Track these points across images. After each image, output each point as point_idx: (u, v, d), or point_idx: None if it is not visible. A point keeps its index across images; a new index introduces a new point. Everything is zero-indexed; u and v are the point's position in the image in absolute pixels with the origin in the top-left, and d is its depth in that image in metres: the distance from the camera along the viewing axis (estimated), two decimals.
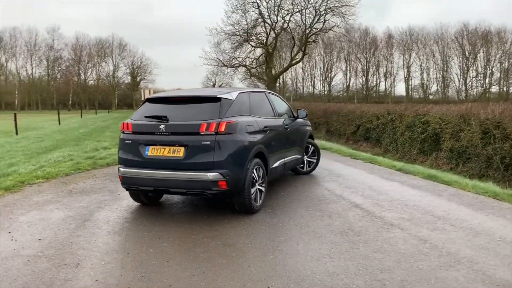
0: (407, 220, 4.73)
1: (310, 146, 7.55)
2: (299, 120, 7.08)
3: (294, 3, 29.81)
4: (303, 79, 63.48)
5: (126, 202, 5.69)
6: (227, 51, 30.56)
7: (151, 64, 64.69)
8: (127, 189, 5.12)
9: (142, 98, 51.20)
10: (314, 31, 30.70)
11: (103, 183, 7.03)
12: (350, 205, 5.41)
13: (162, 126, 4.72)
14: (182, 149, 4.64)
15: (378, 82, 63.76)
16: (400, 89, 67.48)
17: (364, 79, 62.27)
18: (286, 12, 30.22)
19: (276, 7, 30.08)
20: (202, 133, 4.58)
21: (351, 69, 62.11)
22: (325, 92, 62.09)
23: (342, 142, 17.54)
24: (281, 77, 60.72)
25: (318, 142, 13.28)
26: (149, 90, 51.66)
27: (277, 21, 30.61)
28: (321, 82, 63.19)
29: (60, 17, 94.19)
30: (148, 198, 5.46)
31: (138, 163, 4.86)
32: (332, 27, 30.07)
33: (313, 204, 5.49)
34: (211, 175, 4.52)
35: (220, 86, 64.81)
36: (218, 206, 5.46)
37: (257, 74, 33.18)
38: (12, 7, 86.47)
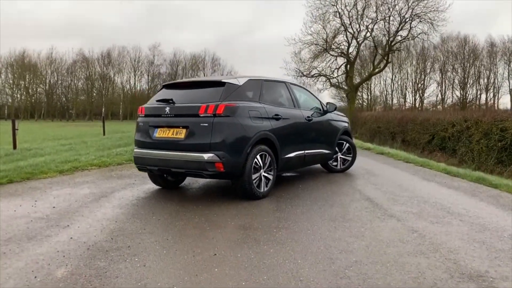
0: (413, 213, 4.30)
1: (345, 143, 7.23)
2: (330, 114, 6.85)
3: (378, 11, 28.87)
4: (392, 90, 60.62)
5: (149, 186, 6.02)
6: (305, 61, 30.54)
7: None
8: (138, 169, 5.43)
9: None
10: (399, 39, 29.31)
11: (141, 172, 7.51)
12: (361, 198, 5.09)
13: (167, 108, 4.96)
14: (184, 130, 4.81)
15: (478, 94, 58.31)
16: (505, 102, 60.54)
17: (461, 91, 57.37)
18: (369, 21, 29.40)
19: (359, 16, 29.41)
20: (201, 115, 4.71)
21: (446, 81, 57.72)
22: (417, 105, 58.47)
23: (417, 152, 16.44)
24: (368, 88, 58.83)
25: (385, 148, 12.59)
26: None
27: (360, 30, 29.89)
28: (413, 94, 59.71)
29: (175, 41, 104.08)
30: (165, 181, 5.72)
31: (147, 144, 5.14)
32: (419, 34, 28.43)
33: (323, 196, 5.25)
34: (207, 156, 4.61)
35: None
36: (227, 193, 5.50)
37: (337, 83, 32.55)
38: (136, 30, 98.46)
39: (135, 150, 5.31)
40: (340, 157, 7.24)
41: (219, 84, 5.04)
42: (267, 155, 5.14)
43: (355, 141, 17.69)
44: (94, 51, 78.82)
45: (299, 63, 31.69)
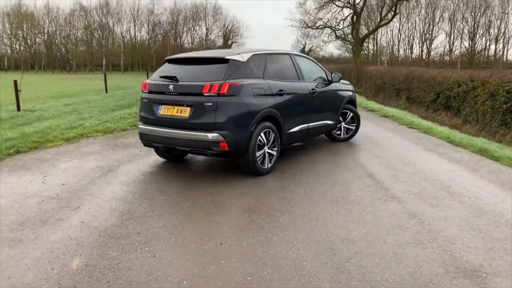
0: (414, 193, 4.41)
1: (349, 112, 7.23)
2: (335, 84, 6.79)
3: None
4: (399, 41, 59.10)
5: (155, 158, 6.11)
6: (310, 12, 29.62)
7: (242, 27, 65.71)
8: (144, 145, 5.50)
9: None
10: None
11: None
12: (363, 174, 5.18)
13: (171, 86, 4.93)
14: (188, 109, 4.81)
15: (488, 45, 56.80)
16: None
17: (470, 42, 55.86)
18: None
19: None
20: (205, 94, 4.69)
21: (455, 31, 56.04)
22: (424, 56, 57.24)
23: (422, 110, 16.37)
24: (375, 39, 57.32)
25: (389, 109, 12.52)
26: None
27: None
28: (420, 45, 58.26)
29: None
30: (170, 155, 5.80)
31: (152, 121, 5.17)
32: None
33: (326, 172, 5.35)
34: (212, 135, 4.65)
35: (309, 50, 63.59)
36: (231, 167, 5.60)
37: (342, 36, 31.75)
38: None
39: (140, 126, 5.34)
40: (344, 127, 7.26)
41: (222, 60, 4.97)
42: (271, 132, 5.18)
43: (359, 98, 17.58)
44: (92, 0, 76.32)
45: (304, 14, 30.81)
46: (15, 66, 66.56)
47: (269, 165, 5.22)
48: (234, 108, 4.70)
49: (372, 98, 21.49)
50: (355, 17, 29.77)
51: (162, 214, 3.89)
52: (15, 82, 11.94)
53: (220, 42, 65.64)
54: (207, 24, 64.53)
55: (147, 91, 5.28)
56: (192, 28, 64.46)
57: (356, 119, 7.30)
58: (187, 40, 64.46)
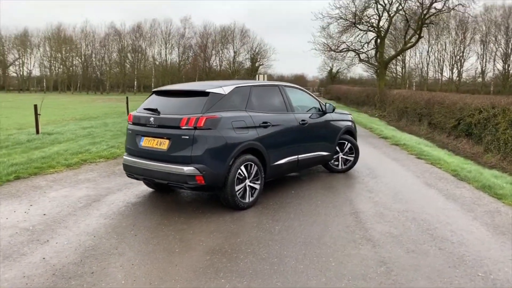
0: (393, 236, 4.15)
1: (347, 143, 7.02)
2: (330, 115, 6.64)
3: None
4: (428, 64, 57.90)
5: (144, 187, 6.09)
6: (333, 36, 29.57)
7: (269, 49, 66.32)
8: (127, 176, 5.50)
9: None
10: (433, 12, 27.68)
11: None
12: (348, 211, 4.95)
13: (152, 119, 4.94)
14: (167, 142, 4.79)
15: None
16: None
17: (504, 64, 53.97)
18: None
19: None
20: (183, 127, 4.66)
21: (488, 53, 54.40)
22: (454, 79, 55.68)
23: (443, 136, 15.85)
24: (403, 61, 56.44)
25: (404, 136, 12.10)
26: (263, 76, 53.11)
27: (392, 2, 28.40)
28: (450, 68, 56.78)
29: (210, 11, 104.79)
30: (157, 185, 5.77)
31: (135, 152, 5.18)
32: (456, 6, 26.71)
33: (311, 208, 5.15)
34: (187, 169, 4.59)
35: (337, 72, 63.44)
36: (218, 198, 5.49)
37: (366, 59, 31.41)
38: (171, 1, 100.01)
39: (124, 157, 5.36)
40: (341, 157, 7.05)
41: (203, 93, 4.95)
42: (253, 165, 5.07)
43: (379, 123, 17.15)
44: (126, 24, 79.59)
45: (327, 37, 30.78)
46: (54, 87, 69.66)
47: (251, 199, 5.09)
48: (211, 141, 4.64)
49: (395, 122, 21.03)
50: (379, 40, 29.47)
51: (124, 252, 3.82)
52: (35, 106, 12.41)
53: (247, 64, 66.52)
54: (234, 47, 65.65)
55: (131, 123, 5.31)
56: (221, 51, 65.76)
57: (354, 150, 7.08)
58: (215, 62, 65.75)
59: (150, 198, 5.59)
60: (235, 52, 65.84)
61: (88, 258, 3.69)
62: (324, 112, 6.52)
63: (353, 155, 7.10)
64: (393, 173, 7.14)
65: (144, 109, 5.22)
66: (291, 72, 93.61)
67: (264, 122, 5.24)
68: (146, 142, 5.03)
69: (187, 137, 4.63)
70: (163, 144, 4.82)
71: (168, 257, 3.69)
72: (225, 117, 4.80)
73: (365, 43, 30.56)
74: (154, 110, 5.03)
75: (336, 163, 7.06)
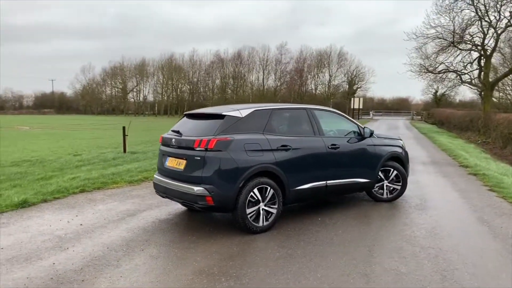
0: (397, 274, 3.75)
1: (392, 170, 6.52)
2: (371, 139, 6.28)
3: None
4: None
5: (180, 206, 6.37)
6: (429, 56, 27.75)
7: (367, 72, 64.79)
8: (156, 193, 5.81)
9: (352, 107, 51.79)
10: None
11: None
12: (364, 244, 4.57)
13: (174, 140, 5.23)
14: (184, 162, 5.01)
15: None
16: None
17: None
18: None
19: (499, 2, 25.40)
20: (196, 149, 4.85)
21: None
22: None
23: None
24: None
25: (492, 166, 10.78)
26: (359, 99, 51.87)
27: (500, 18, 25.81)
28: None
29: (311, 36, 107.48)
30: (185, 204, 5.97)
31: (162, 171, 5.51)
32: None
33: (329, 248, 4.65)
34: (197, 189, 4.74)
35: (442, 94, 58.60)
36: None
37: (469, 80, 28.76)
38: (277, 28, 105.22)
39: (154, 175, 5.71)
40: (386, 185, 6.56)
41: (219, 116, 5.09)
42: (269, 188, 5.01)
43: (478, 149, 15.45)
44: (228, 52, 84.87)
45: (424, 58, 29.02)
46: (164, 111, 76.68)
47: (266, 223, 5.02)
48: (220, 163, 4.73)
49: (498, 150, 18.82)
50: (483, 60, 26.87)
51: (121, 264, 4.06)
52: (124, 128, 13.84)
53: (344, 87, 65.58)
54: (330, 71, 65.39)
55: (161, 143, 5.66)
56: (316, 76, 65.99)
57: (401, 179, 6.53)
58: (311, 86, 66.05)
59: (180, 217, 5.83)
60: (330, 76, 65.53)
61: (88, 267, 4.00)
62: (362, 137, 6.18)
63: (400, 184, 6.55)
64: (447, 206, 6.40)
65: (172, 130, 5.54)
66: (393, 95, 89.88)
67: (283, 146, 5.17)
68: (169, 162, 5.31)
69: (199, 158, 4.79)
70: (181, 164, 5.05)
71: (156, 273, 3.83)
72: (237, 140, 4.86)
73: (468, 63, 28.12)
74: (178, 132, 5.31)
75: (381, 191, 6.58)
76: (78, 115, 73.95)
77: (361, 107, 52.23)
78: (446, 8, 25.93)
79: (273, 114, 5.37)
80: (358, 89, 65.34)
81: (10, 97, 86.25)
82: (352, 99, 51.97)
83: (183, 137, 5.16)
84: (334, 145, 5.74)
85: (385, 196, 6.59)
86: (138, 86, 79.07)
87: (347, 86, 65.49)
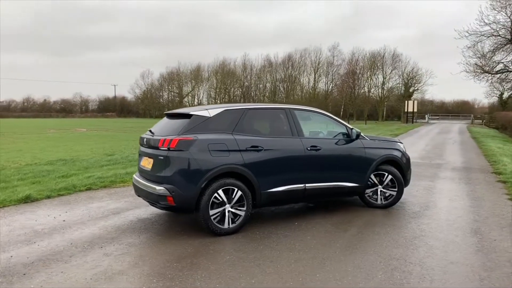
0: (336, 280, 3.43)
1: (387, 174, 6.09)
2: (361, 141, 5.93)
3: None
4: None
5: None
6: (485, 55, 25.79)
7: (425, 73, 61.81)
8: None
9: (406, 110, 49.46)
10: None
11: None
12: (327, 251, 4.28)
13: (145, 140, 5.27)
14: (152, 161, 5.03)
15: None
16: None
17: None
18: None
19: None
20: (160, 148, 4.85)
21: None
22: None
23: None
24: None
25: None
26: (413, 102, 49.47)
27: None
28: None
29: (374, 39, 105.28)
30: None
31: (139, 171, 5.56)
32: None
33: (286, 241, 4.62)
34: (159, 188, 4.73)
35: (509, 97, 54.10)
36: None
37: None
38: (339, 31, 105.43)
39: (133, 175, 5.78)
40: (380, 191, 6.13)
41: (187, 116, 5.05)
42: (237, 190, 4.87)
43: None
44: (278, 56, 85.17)
45: (480, 57, 27.05)
46: None
47: (232, 225, 4.88)
48: (181, 163, 4.68)
49: None
50: None
51: (70, 260, 4.13)
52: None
53: (399, 90, 62.91)
54: (384, 72, 63.05)
55: (139, 143, 5.73)
56: (369, 78, 63.84)
57: (397, 184, 6.08)
58: (363, 89, 63.93)
59: (161, 217, 5.84)
60: (384, 78, 63.21)
61: (40, 261, 4.12)
62: (350, 139, 5.83)
63: (396, 190, 6.10)
64: (446, 215, 5.84)
65: (149, 130, 5.58)
66: (454, 97, 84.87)
67: (253, 146, 5.01)
68: (143, 162, 5.36)
69: (162, 157, 4.78)
70: (150, 164, 5.07)
71: (95, 271, 3.86)
72: (200, 139, 4.78)
73: None
74: (151, 131, 5.34)
75: (375, 196, 6.17)
76: (138, 118, 77.63)
77: (415, 110, 49.81)
78: (503, 3, 24.01)
79: (246, 114, 5.23)
80: (415, 92, 62.38)
81: (79, 101, 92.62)
82: (406, 101, 49.71)
83: (154, 137, 5.18)
84: (315, 146, 5.47)
85: (379, 202, 6.16)
86: (193, 90, 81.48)
87: (403, 89, 62.76)
